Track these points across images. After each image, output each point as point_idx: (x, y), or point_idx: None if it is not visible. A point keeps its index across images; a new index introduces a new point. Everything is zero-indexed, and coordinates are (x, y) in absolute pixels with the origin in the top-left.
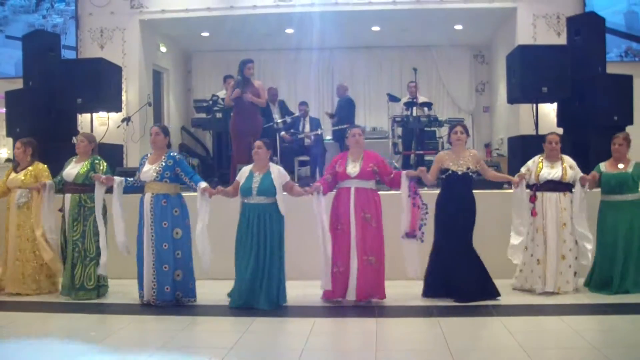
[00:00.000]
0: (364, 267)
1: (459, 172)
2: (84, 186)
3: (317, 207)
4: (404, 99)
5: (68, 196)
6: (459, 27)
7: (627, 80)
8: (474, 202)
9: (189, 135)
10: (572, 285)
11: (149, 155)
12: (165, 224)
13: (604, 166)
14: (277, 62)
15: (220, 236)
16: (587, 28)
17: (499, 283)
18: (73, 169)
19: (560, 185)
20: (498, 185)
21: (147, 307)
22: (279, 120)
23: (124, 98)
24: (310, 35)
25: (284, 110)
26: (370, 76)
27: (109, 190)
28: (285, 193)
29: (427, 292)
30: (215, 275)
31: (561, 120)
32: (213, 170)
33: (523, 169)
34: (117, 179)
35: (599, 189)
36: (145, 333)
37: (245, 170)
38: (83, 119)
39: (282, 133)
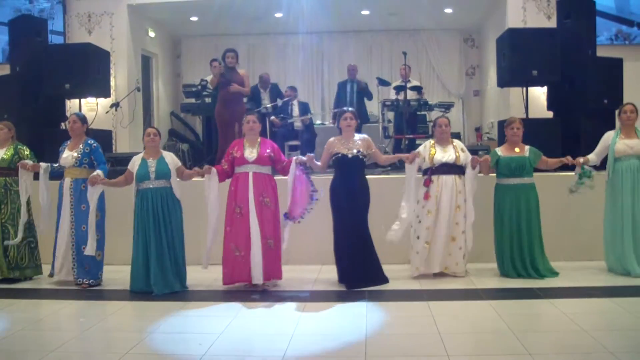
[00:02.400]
0: (265, 250)
1: (349, 155)
2: (9, 170)
3: (207, 190)
4: (395, 83)
5: None
6: (448, 10)
7: (617, 63)
8: (367, 186)
9: (179, 121)
10: (462, 267)
11: (68, 142)
12: (84, 207)
13: (500, 151)
14: (266, 46)
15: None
16: (577, 11)
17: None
18: None
19: (454, 168)
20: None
21: (136, 294)
22: (269, 105)
23: (112, 83)
24: (299, 19)
25: (276, 94)
26: (360, 60)
27: (35, 176)
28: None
29: (343, 278)
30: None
31: (551, 103)
32: (202, 155)
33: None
34: (42, 165)
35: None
36: (134, 319)
37: (136, 158)
38: (71, 104)
39: (272, 117)
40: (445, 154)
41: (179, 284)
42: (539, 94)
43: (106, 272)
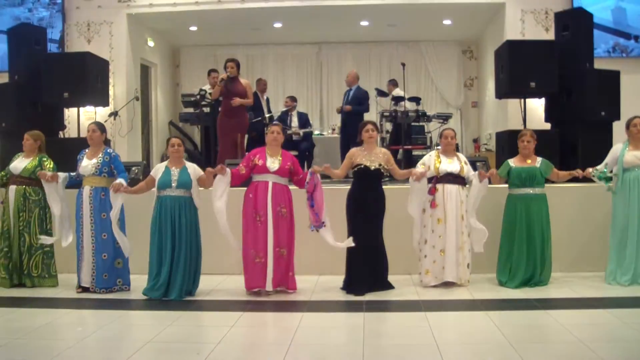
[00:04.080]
0: (276, 258)
1: (372, 168)
2: (29, 179)
3: (215, 190)
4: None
5: (13, 188)
6: (447, 22)
7: (615, 75)
8: (384, 197)
9: (177, 130)
10: (467, 276)
11: (86, 150)
12: (104, 215)
13: (512, 162)
14: (265, 57)
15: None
16: (575, 24)
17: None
18: (20, 163)
19: (458, 179)
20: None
21: (132, 302)
22: (267, 115)
23: (111, 92)
24: (298, 30)
25: (269, 105)
26: (359, 71)
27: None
28: (201, 188)
29: (350, 287)
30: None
31: (549, 115)
32: (201, 164)
33: (419, 165)
34: (61, 175)
35: (504, 185)
36: (132, 328)
37: (160, 166)
38: (70, 113)
39: None
40: (450, 165)
41: (189, 291)
42: (537, 105)
43: None
